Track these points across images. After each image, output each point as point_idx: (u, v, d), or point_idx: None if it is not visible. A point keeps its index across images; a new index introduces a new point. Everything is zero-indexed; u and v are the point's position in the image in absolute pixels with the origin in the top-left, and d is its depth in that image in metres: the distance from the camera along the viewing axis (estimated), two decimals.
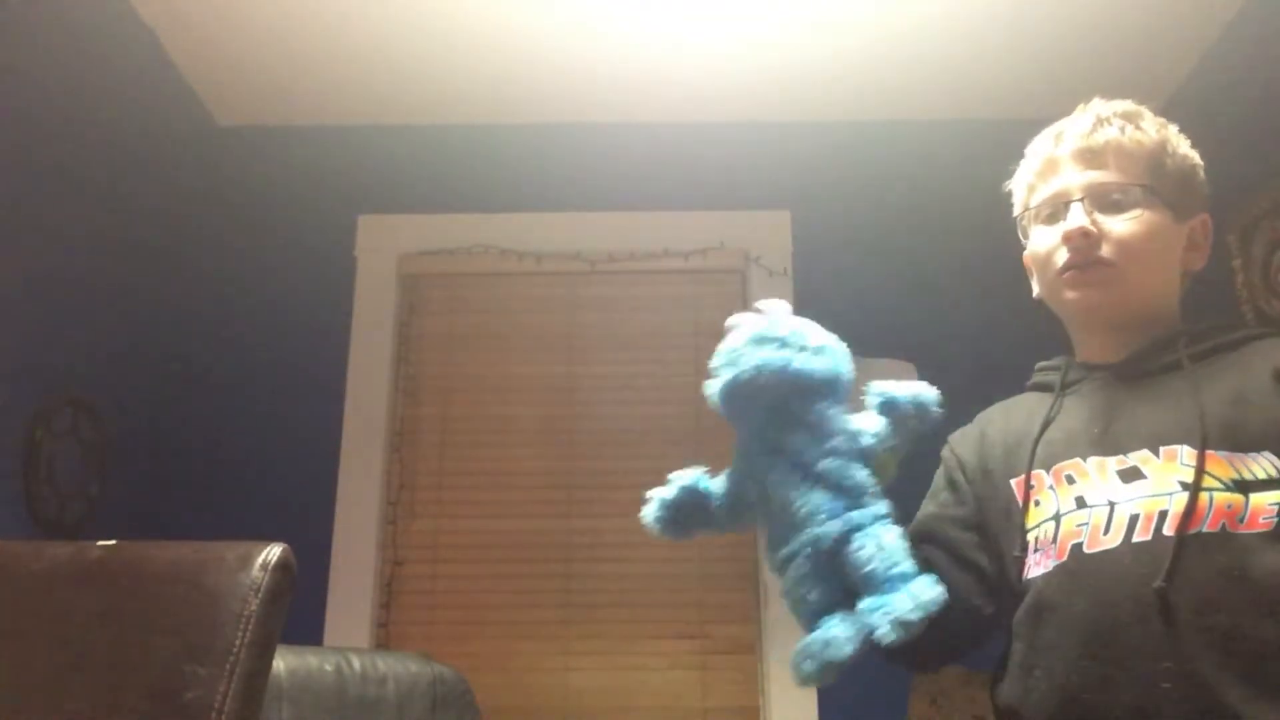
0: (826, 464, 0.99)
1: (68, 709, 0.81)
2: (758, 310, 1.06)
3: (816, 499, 0.98)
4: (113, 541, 0.91)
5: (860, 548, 0.95)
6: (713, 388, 1.04)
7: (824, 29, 2.29)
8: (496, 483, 2.45)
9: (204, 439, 2.44)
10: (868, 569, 0.95)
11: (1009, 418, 1.16)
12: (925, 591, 0.93)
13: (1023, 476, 1.06)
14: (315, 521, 2.35)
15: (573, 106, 2.59)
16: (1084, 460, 1.02)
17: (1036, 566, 1.01)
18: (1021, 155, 1.21)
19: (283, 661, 1.34)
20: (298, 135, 2.66)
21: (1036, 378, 1.19)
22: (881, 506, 1.00)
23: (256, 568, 0.85)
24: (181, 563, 0.87)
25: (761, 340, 1.01)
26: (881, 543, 0.96)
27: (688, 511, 1.06)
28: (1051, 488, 1.03)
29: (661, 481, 1.09)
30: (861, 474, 1.00)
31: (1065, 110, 1.19)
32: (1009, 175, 1.24)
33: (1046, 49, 2.36)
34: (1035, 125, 1.21)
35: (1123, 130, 1.09)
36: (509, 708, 2.25)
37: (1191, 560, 0.91)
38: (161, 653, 0.82)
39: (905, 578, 0.94)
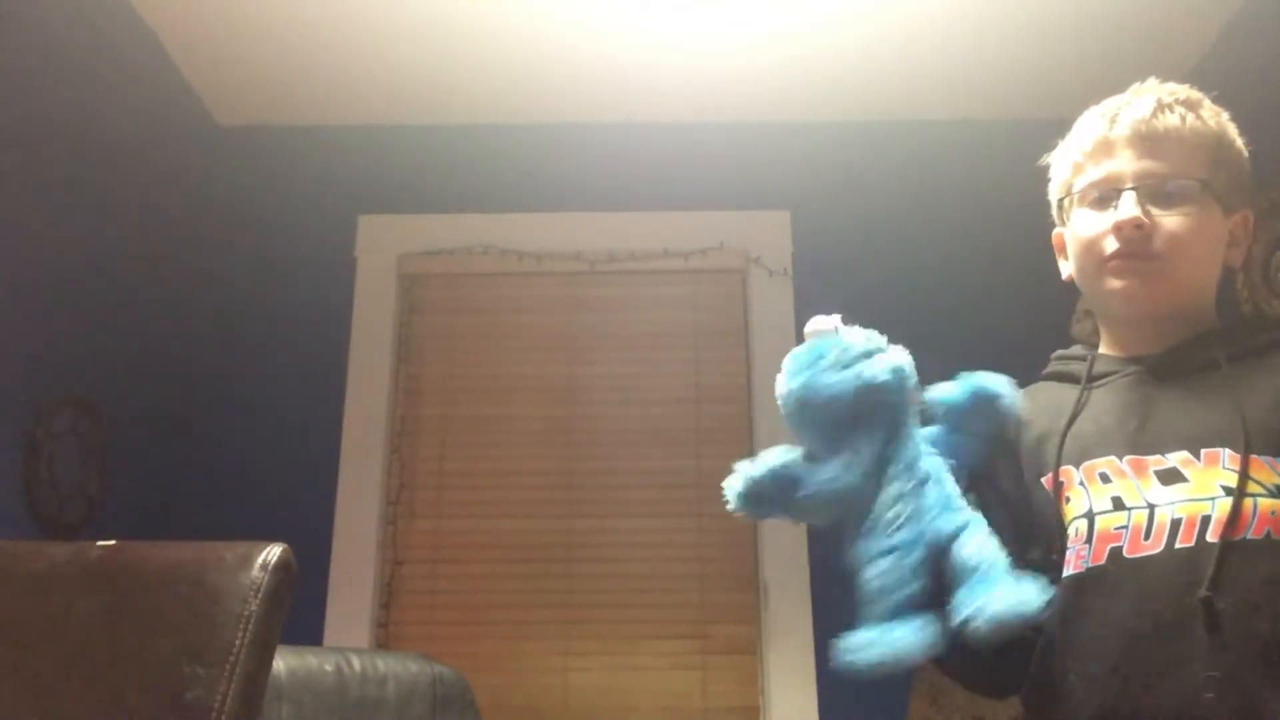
0: (931, 463, 0.98)
1: (68, 709, 0.81)
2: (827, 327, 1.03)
3: (931, 496, 0.96)
4: (113, 541, 0.91)
5: (968, 544, 0.93)
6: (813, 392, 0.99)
7: (824, 29, 2.29)
8: (496, 483, 2.45)
9: (204, 439, 2.44)
10: (976, 563, 0.92)
11: (1030, 411, 1.11)
12: (1033, 592, 0.89)
13: (1051, 474, 1.03)
14: (315, 521, 2.35)
15: (573, 106, 2.59)
16: (1119, 459, 0.99)
17: (1067, 566, 0.99)
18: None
19: (283, 661, 1.34)
20: (298, 135, 2.66)
21: (1055, 366, 1.16)
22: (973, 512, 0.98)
23: (256, 568, 0.85)
24: (181, 563, 0.87)
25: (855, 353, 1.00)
26: (989, 538, 0.94)
27: (771, 495, 1.01)
28: (1082, 484, 1.00)
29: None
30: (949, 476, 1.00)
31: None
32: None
33: (1045, 50, 2.36)
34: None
35: (1183, 119, 1.05)
36: (509, 708, 2.25)
37: (1235, 568, 0.89)
38: (161, 653, 0.82)
39: (1003, 575, 0.91)
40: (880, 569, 0.94)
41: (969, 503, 0.99)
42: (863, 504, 0.98)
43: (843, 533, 1.00)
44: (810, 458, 1.01)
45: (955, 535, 0.94)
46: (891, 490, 0.97)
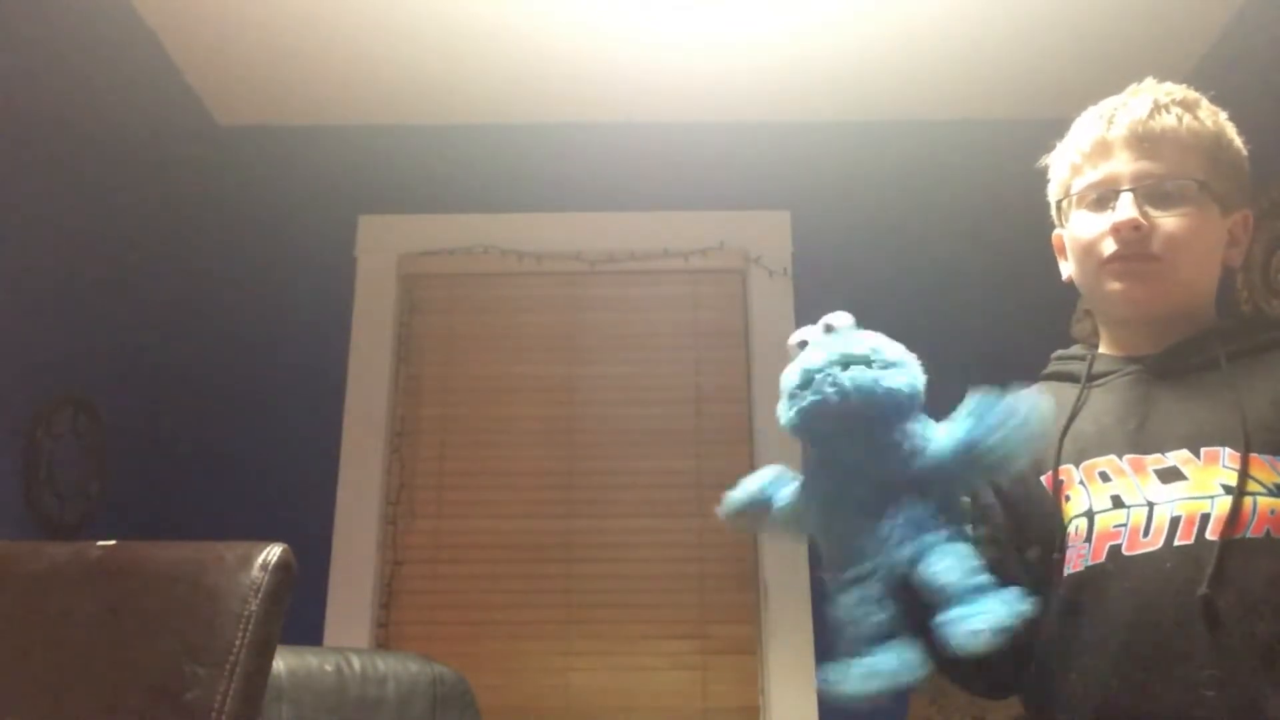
0: (903, 486, 0.95)
1: (68, 709, 0.81)
2: (825, 324, 1.00)
3: (889, 525, 0.93)
4: (113, 541, 0.91)
5: (934, 565, 0.90)
6: (792, 410, 0.97)
7: (824, 29, 2.29)
8: (496, 483, 2.45)
9: (204, 439, 2.44)
10: (945, 583, 0.89)
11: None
12: (1012, 603, 0.86)
13: (1051, 473, 1.03)
14: (315, 521, 2.35)
15: (573, 106, 2.59)
16: (1119, 458, 0.99)
17: (1068, 565, 0.99)
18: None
19: (283, 661, 1.33)
20: (298, 135, 2.66)
21: (1055, 366, 1.16)
22: (957, 526, 0.95)
23: (256, 568, 0.85)
24: (181, 563, 0.87)
25: (846, 360, 0.95)
26: (959, 558, 0.90)
27: (753, 515, 1.05)
28: (1082, 483, 1.00)
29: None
30: (938, 493, 0.96)
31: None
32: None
33: (1046, 50, 2.36)
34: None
35: (1180, 120, 1.05)
36: (509, 708, 2.25)
37: (1235, 566, 0.89)
38: (161, 653, 0.82)
39: (985, 589, 0.88)
40: (849, 601, 0.94)
41: (966, 504, 0.99)
42: (830, 531, 1.00)
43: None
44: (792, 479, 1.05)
45: (916, 559, 0.91)
46: (851, 525, 0.96)
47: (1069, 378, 1.12)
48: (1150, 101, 1.06)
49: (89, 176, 2.10)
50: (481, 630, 2.33)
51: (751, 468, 2.59)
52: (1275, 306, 2.00)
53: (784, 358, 1.02)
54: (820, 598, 2.30)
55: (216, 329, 2.52)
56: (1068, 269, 1.14)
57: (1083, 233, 1.08)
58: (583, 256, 2.57)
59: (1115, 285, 1.05)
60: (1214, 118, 1.08)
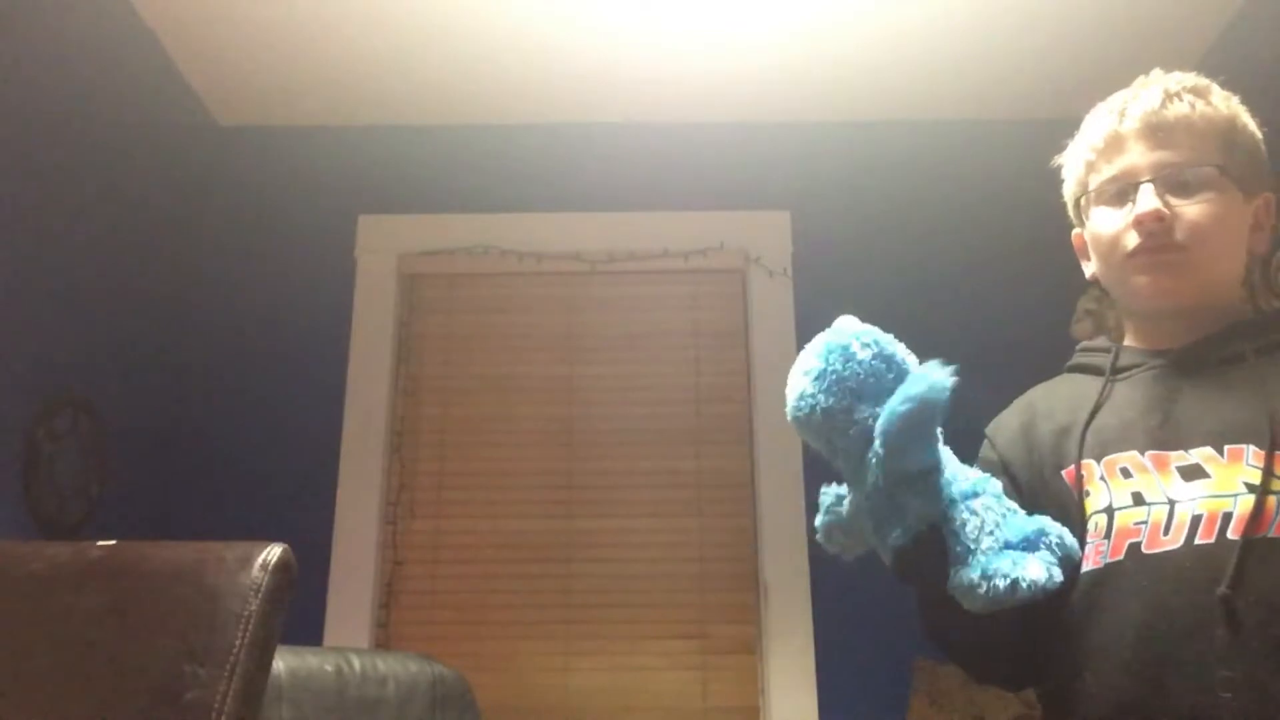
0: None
1: (68, 709, 0.81)
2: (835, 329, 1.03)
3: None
4: (113, 541, 0.91)
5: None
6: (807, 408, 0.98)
7: (824, 29, 2.29)
8: (496, 483, 2.45)
9: (204, 439, 2.44)
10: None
11: (1051, 403, 1.10)
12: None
13: (1073, 467, 1.02)
14: (315, 521, 2.35)
15: (573, 106, 2.59)
16: (1141, 454, 0.98)
17: (1086, 561, 0.97)
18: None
19: (283, 661, 1.33)
20: (298, 135, 2.66)
21: (1079, 359, 1.14)
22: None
23: (256, 568, 0.85)
24: (181, 563, 0.87)
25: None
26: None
27: (836, 530, 1.04)
28: (1103, 479, 0.99)
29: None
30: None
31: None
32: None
33: (1046, 50, 2.36)
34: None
35: (1193, 106, 1.03)
36: (509, 708, 2.25)
37: (1256, 566, 0.88)
38: (161, 653, 0.82)
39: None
40: (976, 509, 0.94)
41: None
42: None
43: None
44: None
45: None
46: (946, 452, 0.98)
47: (1093, 370, 1.10)
48: (1161, 91, 1.05)
49: (89, 177, 2.10)
50: (481, 630, 2.34)
51: (751, 468, 2.61)
52: (1276, 306, 2.00)
53: (784, 357, 1.02)
54: (820, 597, 2.30)
55: (217, 329, 2.52)
56: (1091, 268, 1.13)
57: (1104, 229, 1.06)
58: (583, 256, 2.57)
59: (1142, 278, 1.03)
60: (1227, 102, 1.07)
